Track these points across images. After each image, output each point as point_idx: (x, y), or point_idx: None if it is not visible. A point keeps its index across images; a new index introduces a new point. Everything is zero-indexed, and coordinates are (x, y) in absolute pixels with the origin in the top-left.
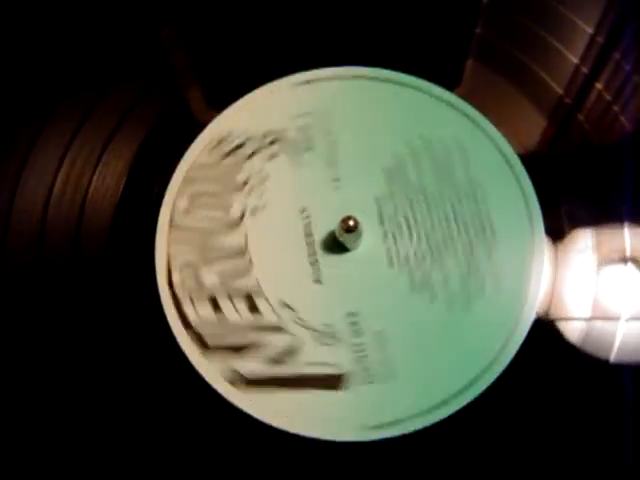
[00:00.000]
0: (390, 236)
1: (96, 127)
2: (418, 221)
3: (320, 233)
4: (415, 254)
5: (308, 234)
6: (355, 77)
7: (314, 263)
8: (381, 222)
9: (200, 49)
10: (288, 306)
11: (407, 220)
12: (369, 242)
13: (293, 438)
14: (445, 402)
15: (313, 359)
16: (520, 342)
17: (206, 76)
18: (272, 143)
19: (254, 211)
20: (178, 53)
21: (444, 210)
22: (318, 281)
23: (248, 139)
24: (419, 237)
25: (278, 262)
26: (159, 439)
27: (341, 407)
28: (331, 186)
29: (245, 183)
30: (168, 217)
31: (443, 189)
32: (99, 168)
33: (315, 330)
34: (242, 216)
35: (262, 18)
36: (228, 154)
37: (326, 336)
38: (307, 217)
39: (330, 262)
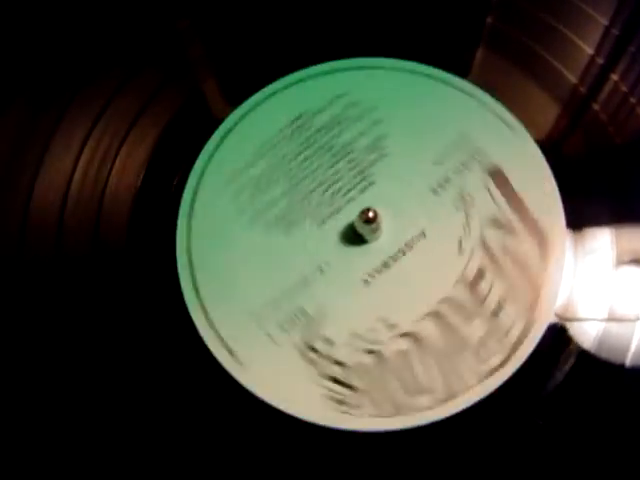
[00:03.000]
0: None
1: (114, 119)
2: None
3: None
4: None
5: None
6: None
7: None
8: None
9: (218, 42)
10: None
11: None
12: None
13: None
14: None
15: None
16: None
17: (223, 70)
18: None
19: None
20: (196, 46)
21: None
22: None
23: None
24: None
25: None
26: (175, 429)
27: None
28: None
29: None
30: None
31: None
32: (118, 160)
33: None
34: None
35: (278, 13)
36: None
37: None
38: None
39: None
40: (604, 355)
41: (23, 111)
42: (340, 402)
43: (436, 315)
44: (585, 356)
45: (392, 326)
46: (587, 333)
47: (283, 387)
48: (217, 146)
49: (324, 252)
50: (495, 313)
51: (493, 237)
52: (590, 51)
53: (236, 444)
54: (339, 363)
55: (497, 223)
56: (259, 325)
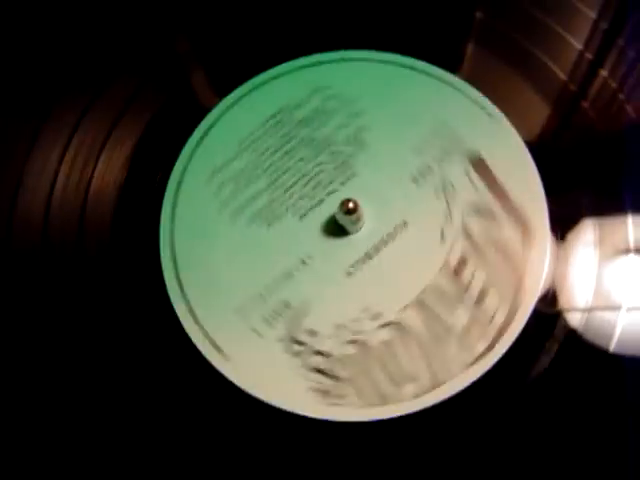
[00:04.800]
0: None
1: (99, 114)
2: None
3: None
4: None
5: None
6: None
7: None
8: None
9: (203, 35)
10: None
11: None
12: None
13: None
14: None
15: None
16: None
17: (209, 62)
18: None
19: None
20: (181, 40)
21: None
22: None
23: None
24: None
25: None
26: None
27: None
28: None
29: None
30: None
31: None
32: (103, 153)
33: None
34: None
35: (263, 4)
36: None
37: None
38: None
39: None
40: (589, 341)
41: (9, 107)
42: (325, 393)
43: (420, 304)
44: (570, 342)
45: (376, 316)
46: (571, 320)
47: (268, 380)
48: (199, 142)
49: (307, 245)
50: (479, 300)
51: (475, 225)
52: (579, 46)
53: (223, 437)
54: (323, 354)
55: (479, 211)
56: (244, 319)
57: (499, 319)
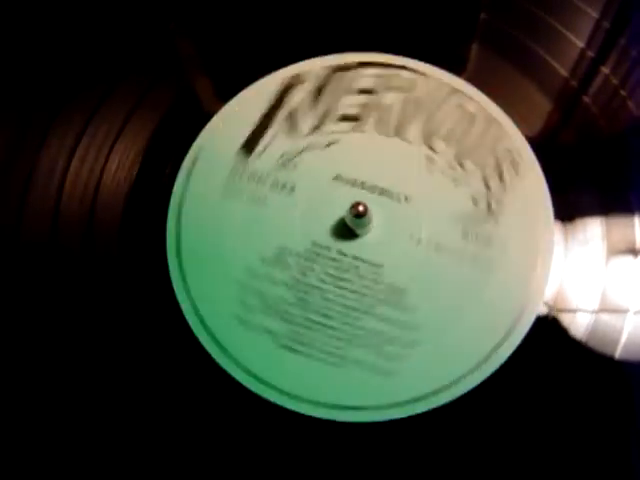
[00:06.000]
0: None
1: (107, 117)
2: None
3: None
4: None
5: None
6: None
7: None
8: None
9: (207, 40)
10: None
11: None
12: None
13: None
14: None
15: None
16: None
17: (213, 66)
18: None
19: None
20: (185, 44)
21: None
22: None
23: None
24: None
25: None
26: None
27: None
28: None
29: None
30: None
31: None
32: (111, 157)
33: None
34: None
35: (267, 9)
36: None
37: None
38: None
39: None
40: (594, 346)
41: (17, 110)
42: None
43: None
44: (575, 347)
45: None
46: (577, 324)
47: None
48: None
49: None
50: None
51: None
52: (581, 44)
53: (230, 436)
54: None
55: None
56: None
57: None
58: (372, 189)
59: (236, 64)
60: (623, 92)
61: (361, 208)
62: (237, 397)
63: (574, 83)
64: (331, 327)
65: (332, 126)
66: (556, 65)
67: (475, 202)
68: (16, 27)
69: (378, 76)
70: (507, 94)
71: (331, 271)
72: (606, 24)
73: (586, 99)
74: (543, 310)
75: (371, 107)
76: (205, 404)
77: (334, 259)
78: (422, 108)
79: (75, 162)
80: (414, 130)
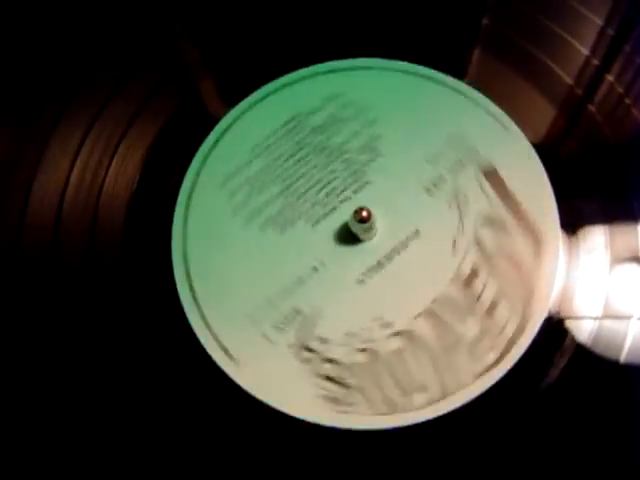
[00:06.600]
0: None
1: (112, 120)
2: None
3: None
4: None
5: None
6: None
7: None
8: None
9: (212, 44)
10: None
11: None
12: None
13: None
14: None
15: None
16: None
17: (219, 71)
18: None
19: None
20: (191, 48)
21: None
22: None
23: None
24: None
25: None
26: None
27: None
28: None
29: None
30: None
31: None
32: (114, 161)
33: None
34: None
35: (273, 13)
36: None
37: None
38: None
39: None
40: (599, 352)
41: (20, 113)
42: (335, 400)
43: (430, 314)
44: (580, 353)
45: (387, 324)
46: (582, 330)
47: (278, 386)
48: (212, 147)
49: (319, 252)
50: (489, 311)
51: (487, 236)
52: (585, 52)
53: (232, 443)
54: (333, 362)
55: (491, 222)
56: (255, 325)
57: (509, 330)
58: None
59: (242, 68)
60: (628, 100)
61: (364, 213)
62: (242, 404)
63: (579, 91)
64: None
65: None
66: (561, 73)
67: None
68: (21, 30)
69: None
70: (512, 101)
71: None
72: (610, 31)
73: (590, 107)
74: (548, 317)
75: None
76: (211, 411)
77: None
78: None
79: (78, 165)
80: None
